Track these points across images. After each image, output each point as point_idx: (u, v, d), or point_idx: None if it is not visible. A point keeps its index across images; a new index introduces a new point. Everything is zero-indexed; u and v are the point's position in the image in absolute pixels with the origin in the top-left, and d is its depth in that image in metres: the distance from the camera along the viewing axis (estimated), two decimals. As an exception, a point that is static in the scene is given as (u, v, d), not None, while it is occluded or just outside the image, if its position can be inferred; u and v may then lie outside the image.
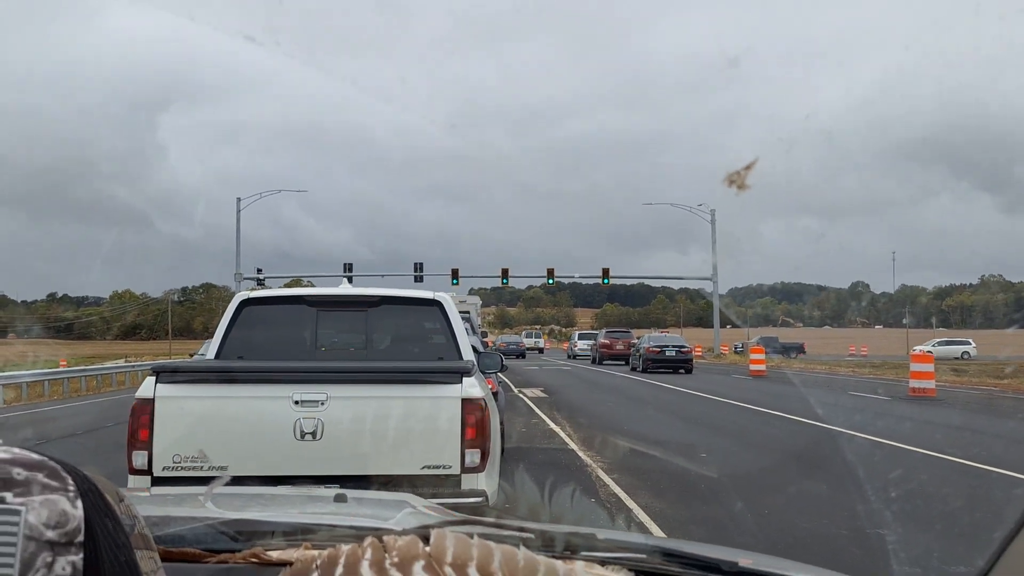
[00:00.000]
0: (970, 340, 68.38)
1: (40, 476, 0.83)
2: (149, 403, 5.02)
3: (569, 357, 57.89)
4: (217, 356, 6.51)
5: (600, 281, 57.30)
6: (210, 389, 5.22)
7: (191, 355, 21.75)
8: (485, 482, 5.14)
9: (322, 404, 5.05)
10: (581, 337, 61.04)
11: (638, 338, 42.65)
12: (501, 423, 8.82)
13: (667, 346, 35.87)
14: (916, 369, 22.06)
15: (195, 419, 5.11)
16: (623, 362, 42.45)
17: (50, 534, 0.81)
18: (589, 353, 51.87)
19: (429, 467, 5.07)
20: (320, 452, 5.02)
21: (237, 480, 4.66)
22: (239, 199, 53.41)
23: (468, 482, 5.09)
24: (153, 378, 5.11)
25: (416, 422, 5.13)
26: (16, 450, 0.85)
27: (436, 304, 6.80)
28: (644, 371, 34.45)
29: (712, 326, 63.92)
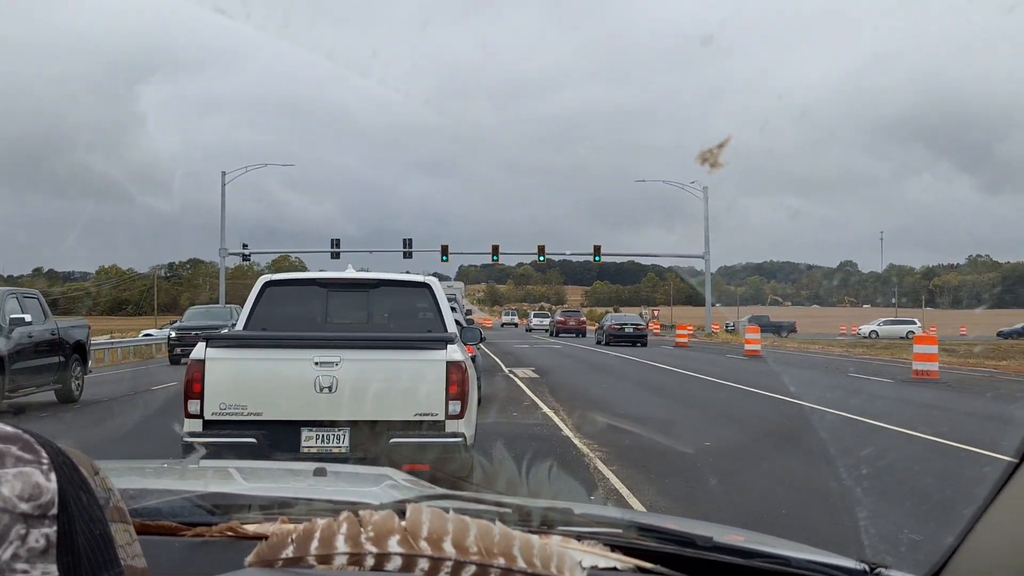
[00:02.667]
0: (916, 320, 69.35)
1: (13, 449, 0.83)
2: (201, 363, 6.27)
3: (527, 330, 73.95)
4: (244, 327, 7.77)
5: (591, 258, 57.05)
6: (249, 352, 6.50)
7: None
8: (464, 427, 6.34)
9: (336, 365, 6.27)
10: (536, 315, 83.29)
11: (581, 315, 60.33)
12: (478, 380, 10.88)
13: (625, 324, 43.56)
14: (920, 351, 21.40)
15: (237, 375, 6.36)
16: (573, 334, 54.91)
17: (23, 506, 0.81)
18: (543, 327, 68.45)
19: (420, 414, 6.29)
20: (335, 402, 6.24)
21: (270, 424, 6.24)
22: (224, 173, 51.89)
23: (451, 426, 6.29)
24: (204, 343, 6.36)
25: (410, 379, 6.36)
26: None
27: (426, 286, 8.10)
28: (607, 344, 41.26)
29: (701, 304, 64.14)
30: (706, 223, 54.39)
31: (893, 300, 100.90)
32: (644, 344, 41.43)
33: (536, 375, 21.60)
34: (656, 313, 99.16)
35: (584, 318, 60.30)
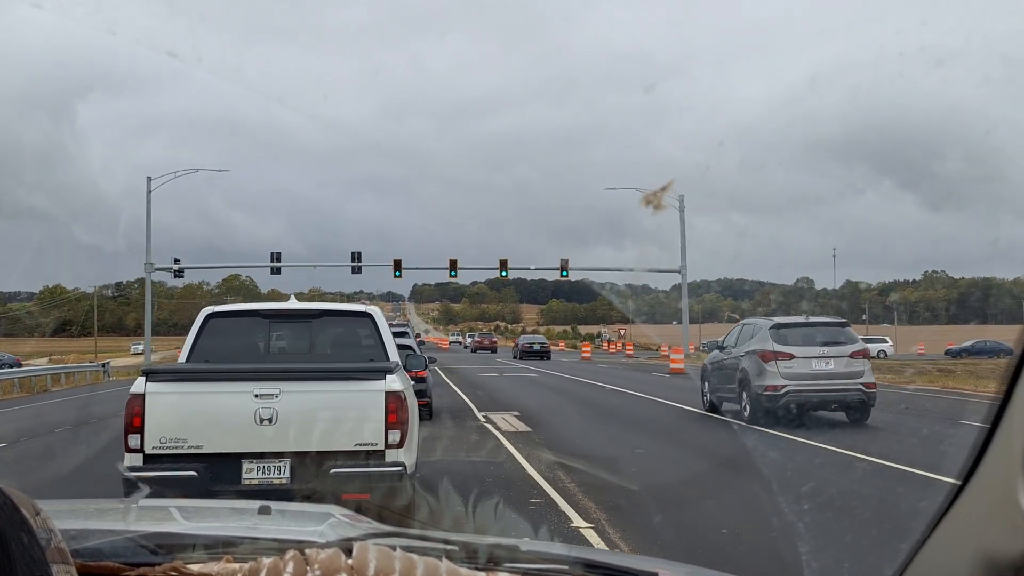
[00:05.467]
0: (887, 338, 67.61)
1: None
2: (140, 397, 6.32)
3: (463, 347, 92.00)
4: (187, 359, 7.76)
5: (559, 274, 53.13)
6: (188, 386, 6.62)
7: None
8: (404, 455, 6.46)
9: (276, 397, 6.37)
10: (469, 335, 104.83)
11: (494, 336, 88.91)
12: (429, 398, 11.73)
13: (534, 343, 56.81)
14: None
15: (177, 409, 6.44)
16: (488, 351, 72.15)
17: None
18: (468, 346, 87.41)
19: (360, 444, 6.39)
20: (275, 433, 6.33)
21: (211, 457, 6.30)
22: (149, 178, 47.01)
23: (390, 456, 6.41)
24: (143, 378, 6.44)
25: (350, 409, 6.49)
26: None
27: (368, 316, 8.24)
28: (520, 359, 51.95)
29: (660, 322, 63.16)
30: (682, 235, 49.87)
31: (864, 317, 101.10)
32: (548, 358, 52.47)
33: (526, 426, 15.30)
34: (622, 332, 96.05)
35: (495, 339, 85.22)
